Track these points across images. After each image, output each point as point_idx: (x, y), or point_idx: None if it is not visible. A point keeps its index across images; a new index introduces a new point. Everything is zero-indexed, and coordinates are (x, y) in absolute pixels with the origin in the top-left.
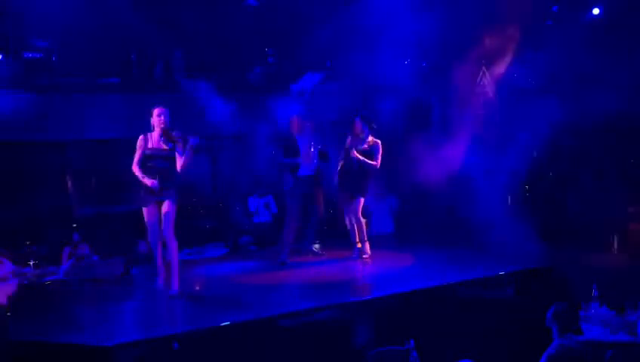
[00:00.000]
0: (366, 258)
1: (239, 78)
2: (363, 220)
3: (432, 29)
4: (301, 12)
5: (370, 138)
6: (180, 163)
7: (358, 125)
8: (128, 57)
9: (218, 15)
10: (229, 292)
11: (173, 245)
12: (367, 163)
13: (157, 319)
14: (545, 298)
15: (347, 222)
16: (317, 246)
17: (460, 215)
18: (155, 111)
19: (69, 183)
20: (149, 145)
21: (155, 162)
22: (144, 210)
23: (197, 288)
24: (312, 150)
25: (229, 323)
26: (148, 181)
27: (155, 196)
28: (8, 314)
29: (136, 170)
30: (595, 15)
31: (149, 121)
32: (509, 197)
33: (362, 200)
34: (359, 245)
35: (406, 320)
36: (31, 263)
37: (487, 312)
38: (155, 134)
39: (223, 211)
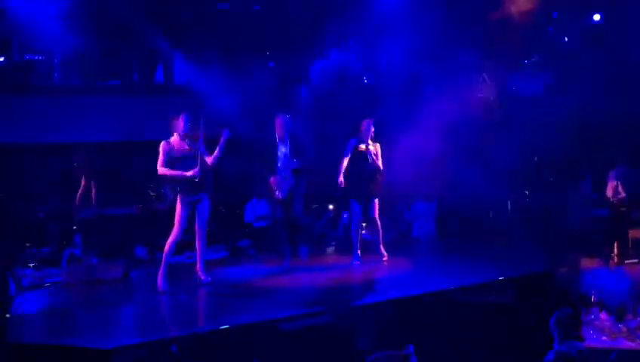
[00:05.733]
0: (385, 260)
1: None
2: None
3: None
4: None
5: (373, 142)
6: (210, 159)
7: (371, 128)
8: (129, 60)
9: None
10: (228, 295)
11: (206, 238)
12: (378, 164)
13: (156, 322)
14: (545, 304)
15: (356, 226)
16: (301, 257)
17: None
18: (182, 116)
19: (70, 185)
20: (176, 148)
21: (186, 163)
22: (181, 211)
23: (196, 290)
24: (290, 159)
25: (227, 326)
26: (187, 173)
27: (193, 195)
28: (7, 316)
29: (164, 170)
30: (596, 21)
31: (150, 123)
32: (509, 203)
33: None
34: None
35: (405, 325)
36: (32, 265)
37: (487, 318)
38: (177, 138)
39: (223, 214)
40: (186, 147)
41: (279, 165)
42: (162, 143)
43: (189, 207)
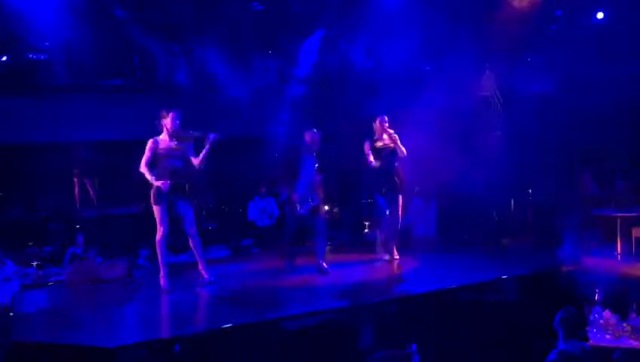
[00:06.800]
0: (397, 259)
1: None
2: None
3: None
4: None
5: (391, 132)
6: (196, 160)
7: (385, 124)
8: (131, 59)
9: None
10: (230, 294)
11: (199, 240)
12: (402, 151)
13: (159, 321)
14: (548, 302)
15: (384, 222)
16: (324, 265)
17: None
18: (171, 114)
19: (73, 185)
20: (162, 146)
21: (169, 161)
22: (157, 208)
23: (199, 287)
24: (315, 177)
25: (230, 325)
26: (158, 182)
27: (170, 195)
28: (11, 314)
29: (144, 170)
30: (599, 19)
31: (152, 123)
32: (512, 202)
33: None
34: (389, 255)
35: (408, 324)
36: (34, 264)
37: (490, 317)
38: (165, 135)
39: (225, 213)
40: (173, 145)
41: (304, 180)
42: (150, 140)
43: (164, 204)
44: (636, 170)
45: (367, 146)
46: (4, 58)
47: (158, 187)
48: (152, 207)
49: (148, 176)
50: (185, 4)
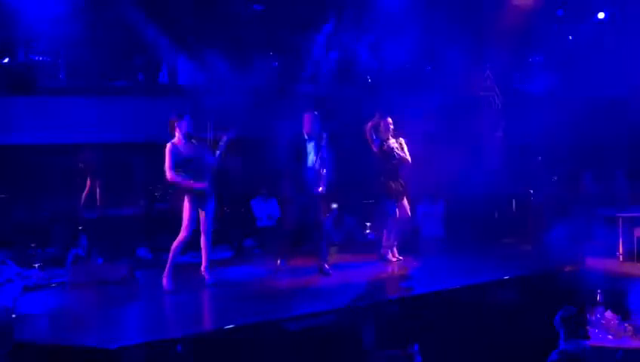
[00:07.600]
0: (395, 259)
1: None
2: None
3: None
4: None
5: (395, 138)
6: (212, 160)
7: (390, 126)
8: (134, 61)
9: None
10: (232, 295)
11: (210, 240)
12: (407, 159)
13: (161, 322)
14: (550, 303)
15: (392, 224)
16: (326, 266)
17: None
18: (187, 118)
19: (75, 186)
20: (182, 150)
21: (193, 165)
22: (189, 212)
23: (201, 288)
24: (321, 158)
25: (232, 326)
26: (197, 185)
27: (201, 197)
28: (13, 315)
29: (173, 176)
30: (600, 19)
31: (153, 124)
32: (514, 201)
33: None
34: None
35: (410, 324)
36: (36, 265)
37: (492, 317)
38: (181, 139)
39: (227, 214)
40: (192, 148)
41: (314, 162)
42: (168, 145)
43: (197, 209)
44: (637, 169)
45: (387, 145)
46: (6, 60)
47: (193, 194)
48: (177, 208)
49: (182, 181)
50: (186, 4)
